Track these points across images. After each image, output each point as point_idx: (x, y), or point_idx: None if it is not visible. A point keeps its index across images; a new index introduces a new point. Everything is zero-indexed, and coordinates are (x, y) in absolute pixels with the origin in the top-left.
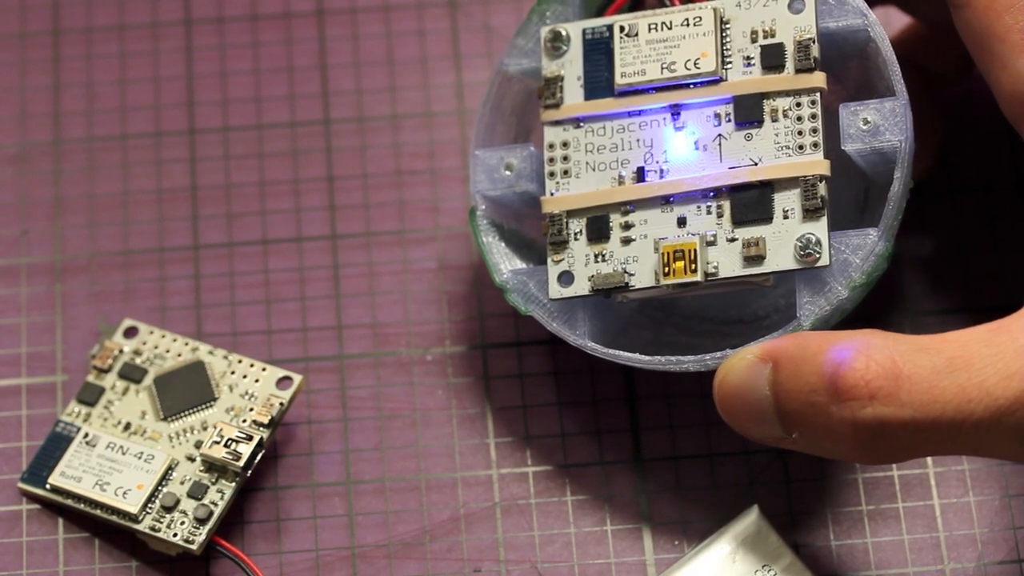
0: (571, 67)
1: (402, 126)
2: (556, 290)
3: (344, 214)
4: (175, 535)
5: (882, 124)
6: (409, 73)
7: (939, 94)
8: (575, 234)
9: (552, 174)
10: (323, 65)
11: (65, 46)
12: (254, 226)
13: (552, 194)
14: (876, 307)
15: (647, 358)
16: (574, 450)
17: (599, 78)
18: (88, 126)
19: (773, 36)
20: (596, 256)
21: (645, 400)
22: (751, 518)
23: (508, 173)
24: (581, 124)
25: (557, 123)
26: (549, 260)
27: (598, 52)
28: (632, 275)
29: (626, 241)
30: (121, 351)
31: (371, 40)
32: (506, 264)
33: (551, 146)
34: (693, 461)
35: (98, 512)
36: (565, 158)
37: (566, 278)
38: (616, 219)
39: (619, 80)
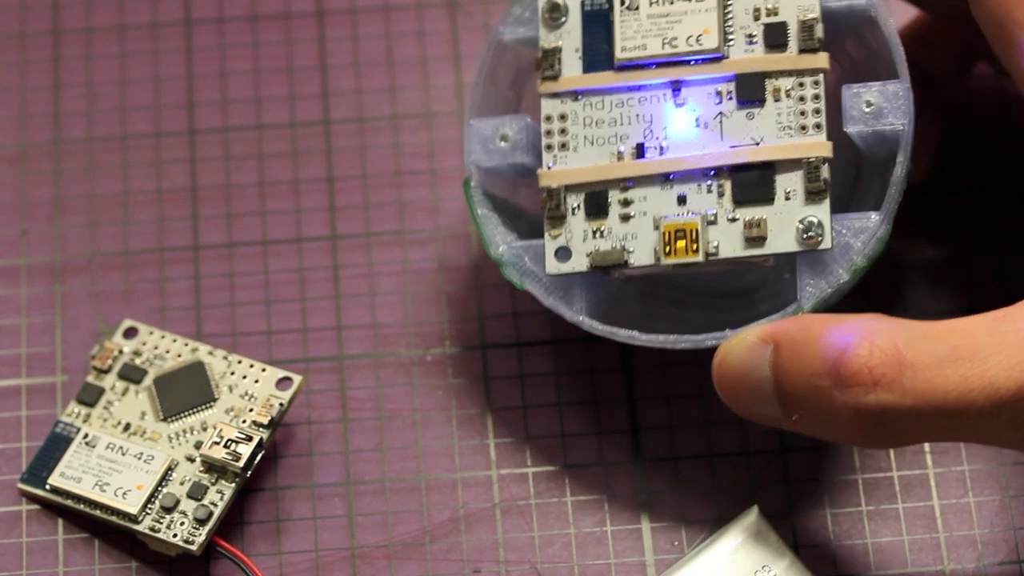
0: (569, 38)
1: (402, 126)
2: (553, 265)
3: (344, 214)
4: (175, 536)
5: (885, 106)
6: (409, 73)
7: (939, 95)
8: (573, 209)
9: (550, 147)
10: (323, 65)
11: (65, 46)
12: (254, 226)
13: (550, 168)
14: (877, 308)
15: (645, 336)
16: (574, 450)
17: (598, 51)
18: (88, 126)
19: (776, 15)
20: (594, 232)
21: (645, 400)
22: (751, 518)
23: (503, 144)
24: (579, 97)
25: (555, 95)
26: (546, 235)
27: (597, 24)
28: (631, 252)
29: (625, 218)
30: (121, 351)
31: (371, 40)
32: (502, 237)
33: (548, 118)
34: (693, 461)
35: (98, 513)
36: (563, 131)
37: (563, 253)
38: (615, 195)
39: (619, 54)
